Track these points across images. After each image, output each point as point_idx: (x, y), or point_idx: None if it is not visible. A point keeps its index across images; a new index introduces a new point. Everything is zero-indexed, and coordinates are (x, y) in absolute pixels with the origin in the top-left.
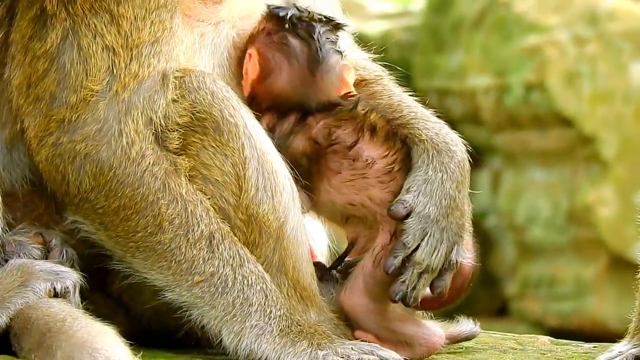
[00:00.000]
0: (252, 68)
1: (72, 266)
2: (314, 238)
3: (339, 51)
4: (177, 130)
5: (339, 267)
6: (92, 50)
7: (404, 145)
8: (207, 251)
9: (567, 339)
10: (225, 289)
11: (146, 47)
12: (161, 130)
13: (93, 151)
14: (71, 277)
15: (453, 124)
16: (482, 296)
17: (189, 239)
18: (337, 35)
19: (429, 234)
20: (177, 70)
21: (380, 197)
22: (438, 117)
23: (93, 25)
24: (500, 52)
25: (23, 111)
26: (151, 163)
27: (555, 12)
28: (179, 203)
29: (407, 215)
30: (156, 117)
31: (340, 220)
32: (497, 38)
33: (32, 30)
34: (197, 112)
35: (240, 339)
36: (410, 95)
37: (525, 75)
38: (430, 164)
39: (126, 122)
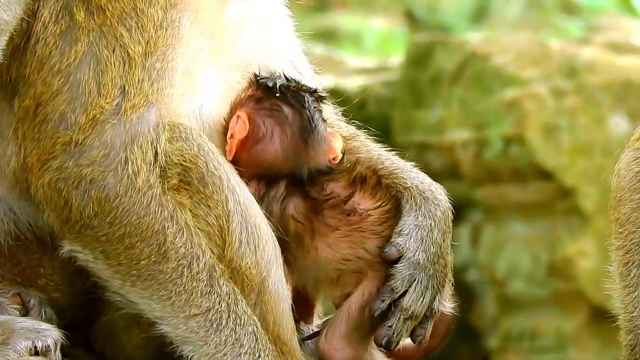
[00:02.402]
0: (240, 130)
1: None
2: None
3: (324, 120)
4: (175, 168)
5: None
6: (110, 62)
7: (392, 195)
8: (206, 284)
9: None
10: (220, 326)
11: (159, 60)
12: (164, 164)
13: (99, 177)
14: (52, 335)
15: (433, 177)
16: (464, 350)
17: (191, 269)
18: (322, 105)
19: (417, 281)
20: (169, 117)
21: (376, 246)
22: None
23: (119, 34)
24: (479, 105)
25: (27, 136)
26: (159, 193)
27: (533, 65)
28: (185, 233)
29: (398, 259)
30: (160, 149)
31: (332, 280)
32: (476, 92)
33: (55, 45)
34: (184, 161)
35: None
36: (388, 150)
37: (504, 129)
38: (419, 210)
39: (132, 149)
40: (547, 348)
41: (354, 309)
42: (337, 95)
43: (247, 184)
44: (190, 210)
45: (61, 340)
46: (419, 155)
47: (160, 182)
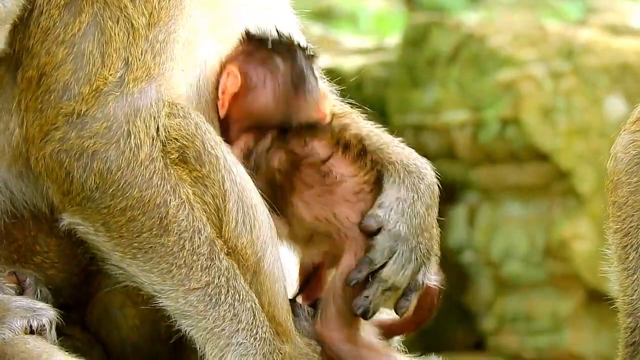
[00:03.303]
0: (232, 84)
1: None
2: (287, 269)
3: (316, 76)
4: (174, 143)
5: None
6: (114, 33)
7: (374, 169)
8: (206, 258)
9: None
10: (219, 300)
11: (162, 32)
12: (164, 139)
13: (101, 149)
14: (48, 314)
15: (429, 159)
16: (459, 331)
17: (192, 243)
18: (313, 62)
19: (397, 252)
20: (168, 94)
21: (345, 215)
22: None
23: (123, 5)
24: (476, 87)
25: (29, 107)
26: (161, 167)
27: (530, 47)
28: (187, 207)
29: (378, 231)
30: (160, 124)
31: (305, 239)
32: (473, 73)
33: (59, 16)
34: (182, 138)
35: (224, 354)
36: (379, 126)
37: (500, 111)
38: (402, 183)
39: (135, 123)
40: (542, 330)
41: (338, 286)
42: (334, 76)
43: (238, 138)
44: (190, 187)
45: (57, 319)
46: (415, 136)
47: (162, 156)
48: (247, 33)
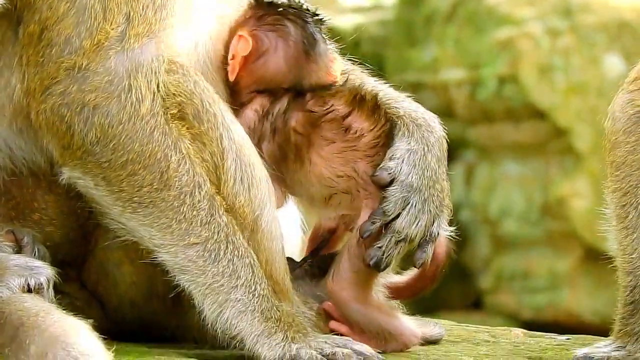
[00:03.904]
0: (243, 47)
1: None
2: (288, 233)
3: (325, 40)
4: (173, 99)
5: (311, 261)
6: None
7: (387, 121)
8: (206, 214)
9: (542, 332)
10: (218, 256)
11: None
12: (164, 95)
13: (103, 103)
14: (45, 273)
15: None
16: (457, 290)
17: (193, 198)
18: (322, 26)
19: (410, 204)
20: (167, 51)
21: (365, 170)
22: None
23: None
24: (473, 45)
25: (30, 61)
26: (162, 122)
27: (528, 5)
28: (187, 162)
29: (390, 183)
30: (161, 80)
31: (324, 199)
32: (470, 31)
33: None
34: (180, 94)
35: (222, 310)
36: (384, 82)
37: (498, 69)
38: (412, 136)
39: (136, 77)
40: (539, 288)
41: (353, 243)
42: (331, 34)
43: (251, 100)
44: (190, 142)
45: (54, 277)
46: (413, 94)
47: (163, 111)
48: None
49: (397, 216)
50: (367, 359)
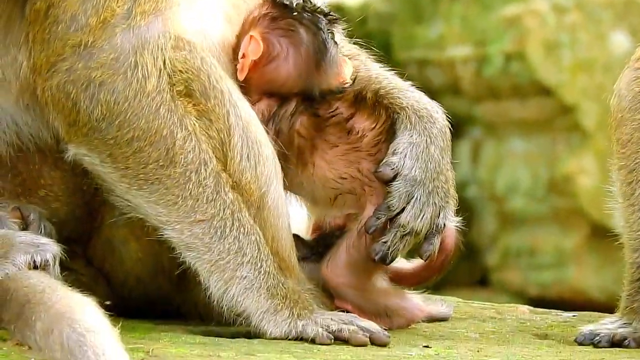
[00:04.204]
0: (254, 50)
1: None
2: (294, 211)
3: (337, 43)
4: (180, 75)
5: (319, 240)
6: None
7: (388, 117)
8: (212, 191)
9: (548, 309)
10: (223, 233)
11: None
12: (171, 71)
13: (109, 80)
14: (51, 250)
15: (433, 94)
16: (463, 267)
17: (198, 175)
18: (335, 27)
19: (415, 197)
20: (174, 28)
21: (368, 168)
22: (418, 87)
23: None
24: (480, 22)
25: (37, 38)
26: (168, 99)
27: None
28: (193, 139)
29: (394, 178)
30: (167, 56)
31: (329, 200)
32: (477, 8)
33: None
34: (187, 71)
35: (228, 287)
36: (388, 69)
37: (505, 45)
38: (414, 129)
39: (142, 54)
40: (546, 265)
41: (355, 235)
42: (338, 12)
43: (258, 101)
44: (196, 119)
45: (60, 254)
46: (419, 71)
47: (169, 88)
48: None
49: (402, 210)
50: (373, 335)
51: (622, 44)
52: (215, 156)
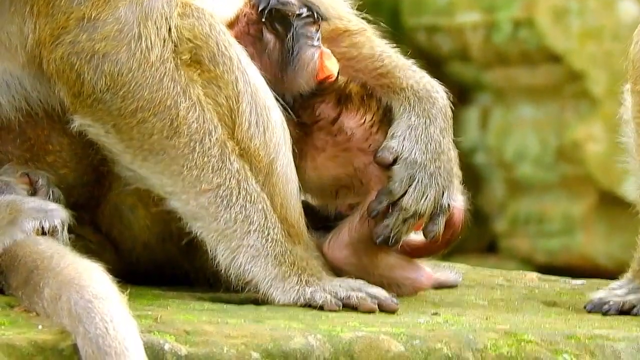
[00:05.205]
0: None
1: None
2: None
3: (315, 45)
4: (186, 44)
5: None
6: None
7: (380, 105)
8: (217, 160)
9: (556, 276)
10: (230, 202)
11: None
12: (176, 40)
13: (112, 51)
14: (60, 215)
15: (441, 60)
16: (471, 233)
17: (203, 145)
18: (317, 27)
19: (417, 180)
20: None
21: (363, 162)
22: (427, 54)
23: None
24: None
25: (41, 12)
26: (172, 68)
27: None
28: (197, 108)
29: (394, 162)
30: (172, 24)
31: (331, 194)
32: None
33: None
34: (195, 38)
35: (235, 256)
36: (394, 47)
37: (513, 12)
38: (412, 110)
39: (146, 25)
40: (554, 232)
41: (357, 219)
42: None
43: None
44: (201, 88)
45: (68, 220)
46: (428, 37)
47: (173, 57)
48: None
49: (405, 194)
50: (381, 302)
51: (631, 11)
52: (224, 123)
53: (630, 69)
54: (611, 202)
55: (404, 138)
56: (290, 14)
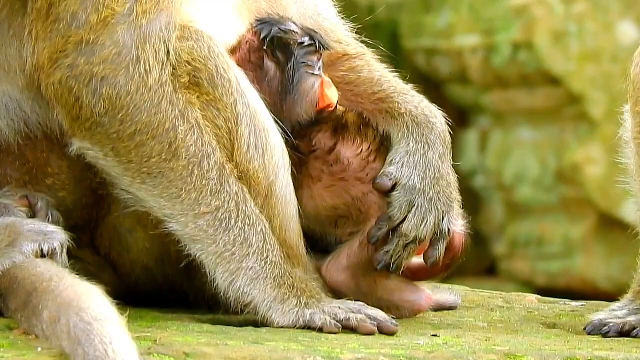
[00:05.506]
0: None
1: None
2: None
3: (315, 74)
4: (185, 67)
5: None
6: None
7: (377, 134)
8: (216, 183)
9: (556, 298)
10: (229, 225)
11: None
12: (175, 63)
13: (110, 75)
14: (59, 238)
15: (441, 83)
16: (471, 256)
17: (202, 168)
18: (319, 56)
19: (416, 206)
20: (180, 19)
21: (361, 191)
22: (426, 77)
23: None
24: (488, 11)
25: (39, 36)
26: (170, 92)
27: None
28: (196, 131)
29: (393, 188)
30: (171, 47)
31: (330, 224)
32: None
33: None
34: (194, 61)
35: (234, 279)
36: (393, 71)
37: (513, 35)
38: (411, 136)
39: (145, 48)
40: (554, 254)
41: (357, 244)
42: (346, 0)
43: None
44: (200, 111)
45: (67, 242)
46: (427, 60)
47: (171, 80)
48: (257, 21)
49: (404, 219)
50: (380, 324)
51: (630, 34)
52: (223, 145)
53: (631, 89)
54: (610, 225)
55: (403, 164)
56: (292, 42)
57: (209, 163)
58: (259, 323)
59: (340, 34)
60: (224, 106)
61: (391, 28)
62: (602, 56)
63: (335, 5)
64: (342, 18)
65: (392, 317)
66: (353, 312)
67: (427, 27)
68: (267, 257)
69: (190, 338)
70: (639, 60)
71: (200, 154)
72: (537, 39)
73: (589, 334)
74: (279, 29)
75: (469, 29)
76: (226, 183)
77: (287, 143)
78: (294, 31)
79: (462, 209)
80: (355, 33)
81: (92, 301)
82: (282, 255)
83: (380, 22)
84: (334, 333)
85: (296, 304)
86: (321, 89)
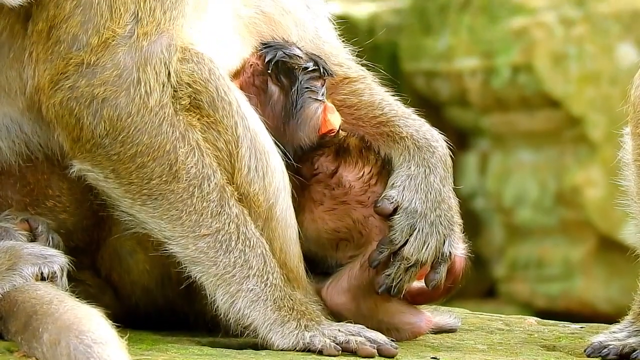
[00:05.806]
0: None
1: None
2: None
3: (319, 100)
4: (186, 89)
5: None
6: None
7: (378, 157)
8: (216, 205)
9: (555, 321)
10: (229, 247)
11: None
12: (176, 84)
13: (111, 96)
14: (59, 261)
15: (440, 105)
16: (471, 278)
17: (202, 190)
18: (323, 82)
19: (417, 229)
20: (181, 41)
21: (362, 215)
22: (425, 99)
23: None
24: (488, 33)
25: (40, 58)
26: (171, 113)
27: None
28: (196, 153)
29: (394, 211)
30: (172, 69)
31: (331, 247)
32: (484, 20)
33: None
34: (194, 83)
35: (234, 300)
36: (394, 94)
37: (512, 57)
38: (412, 160)
39: (145, 70)
40: (553, 277)
41: (357, 267)
42: (346, 23)
43: None
44: (200, 133)
45: (67, 265)
46: (427, 82)
47: (172, 102)
48: (262, 45)
49: (405, 243)
50: (380, 346)
51: (629, 56)
52: (223, 168)
53: (631, 112)
54: (610, 247)
55: (404, 187)
56: (296, 67)
57: (209, 185)
58: (258, 345)
59: (341, 57)
60: (224, 128)
61: (391, 51)
62: (601, 78)
63: (335, 28)
64: (342, 41)
65: (392, 340)
66: (352, 335)
67: (427, 50)
68: (267, 279)
69: None
70: (639, 82)
71: (201, 176)
72: (537, 62)
73: (589, 356)
74: (284, 53)
75: (468, 52)
76: (226, 205)
77: (289, 166)
78: (298, 56)
79: (462, 231)
80: (355, 56)
81: (92, 324)
82: (282, 278)
83: (380, 44)
84: (334, 356)
85: (296, 327)
86: (324, 115)
